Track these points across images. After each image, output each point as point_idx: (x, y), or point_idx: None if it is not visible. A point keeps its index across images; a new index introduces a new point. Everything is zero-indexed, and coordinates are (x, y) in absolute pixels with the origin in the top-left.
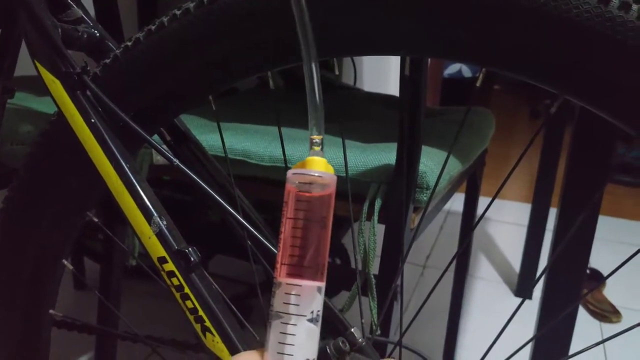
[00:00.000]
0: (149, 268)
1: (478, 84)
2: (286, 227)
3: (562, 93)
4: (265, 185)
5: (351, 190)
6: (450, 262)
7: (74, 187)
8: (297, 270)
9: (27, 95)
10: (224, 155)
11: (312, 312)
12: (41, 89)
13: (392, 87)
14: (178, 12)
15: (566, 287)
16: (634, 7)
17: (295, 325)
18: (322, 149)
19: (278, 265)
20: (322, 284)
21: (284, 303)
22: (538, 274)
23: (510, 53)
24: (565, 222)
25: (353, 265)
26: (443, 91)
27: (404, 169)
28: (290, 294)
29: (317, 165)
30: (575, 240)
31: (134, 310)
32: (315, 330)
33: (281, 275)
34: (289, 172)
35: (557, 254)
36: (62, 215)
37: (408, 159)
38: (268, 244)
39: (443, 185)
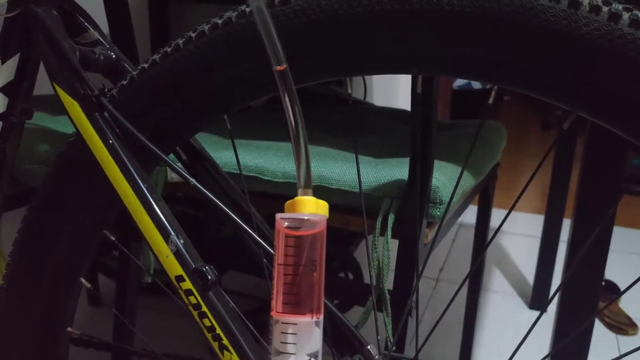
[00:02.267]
0: (165, 285)
1: (490, 100)
2: (278, 274)
3: (574, 110)
4: (278, 201)
5: (364, 205)
6: (465, 280)
7: (91, 206)
8: (292, 309)
9: (43, 114)
10: (237, 172)
11: (310, 348)
12: (57, 108)
13: (401, 101)
14: (193, 35)
15: (582, 300)
16: None
17: None
18: (310, 186)
19: (273, 304)
20: (320, 318)
21: (282, 343)
22: (552, 285)
23: (522, 71)
24: (579, 233)
25: (366, 280)
26: (453, 103)
27: (417, 184)
28: (287, 333)
29: (306, 205)
30: (591, 253)
31: (149, 327)
32: None
33: (277, 313)
34: (277, 217)
35: (574, 267)
36: (79, 233)
37: (420, 174)
38: None
39: (456, 200)
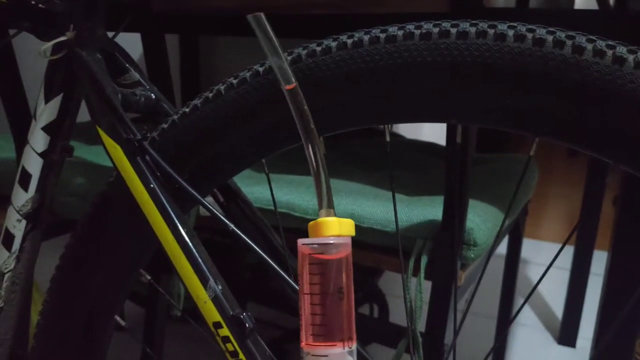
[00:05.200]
0: (193, 314)
1: (532, 152)
2: (304, 303)
3: (617, 164)
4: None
5: (396, 245)
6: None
7: (128, 246)
8: (322, 339)
9: (77, 143)
10: (268, 207)
11: None
12: (91, 137)
13: (425, 131)
14: (235, 81)
15: (618, 338)
16: None
17: None
18: (332, 205)
19: (302, 336)
20: (352, 346)
21: None
22: (582, 320)
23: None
24: (617, 266)
25: (392, 313)
26: (478, 131)
27: (452, 226)
28: None
29: (330, 227)
30: (629, 288)
31: (177, 354)
32: None
33: (307, 345)
34: (300, 242)
35: (606, 301)
36: (116, 272)
37: (454, 214)
38: None
39: (490, 242)
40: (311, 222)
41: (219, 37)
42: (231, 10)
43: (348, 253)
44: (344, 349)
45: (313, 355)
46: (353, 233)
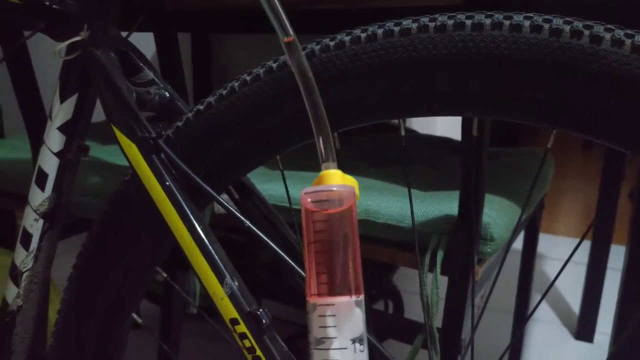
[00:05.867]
0: (209, 312)
1: (549, 145)
2: (309, 254)
3: (635, 153)
4: None
5: (412, 240)
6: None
7: (144, 243)
8: (329, 289)
9: (92, 143)
10: (283, 204)
11: (353, 332)
12: (106, 137)
13: (439, 126)
14: (248, 78)
15: (637, 333)
16: None
17: (338, 349)
18: (334, 158)
19: (307, 289)
20: (360, 297)
21: (321, 327)
22: (599, 315)
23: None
24: (636, 259)
25: (407, 310)
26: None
27: (468, 221)
28: (326, 315)
29: (333, 178)
30: None
31: (193, 351)
32: (362, 351)
33: (312, 297)
34: (302, 193)
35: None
36: (132, 270)
37: (471, 209)
38: None
39: (507, 236)
40: (315, 180)
41: (229, 35)
42: (242, 6)
43: (352, 204)
44: (351, 298)
45: (320, 306)
46: (356, 189)
